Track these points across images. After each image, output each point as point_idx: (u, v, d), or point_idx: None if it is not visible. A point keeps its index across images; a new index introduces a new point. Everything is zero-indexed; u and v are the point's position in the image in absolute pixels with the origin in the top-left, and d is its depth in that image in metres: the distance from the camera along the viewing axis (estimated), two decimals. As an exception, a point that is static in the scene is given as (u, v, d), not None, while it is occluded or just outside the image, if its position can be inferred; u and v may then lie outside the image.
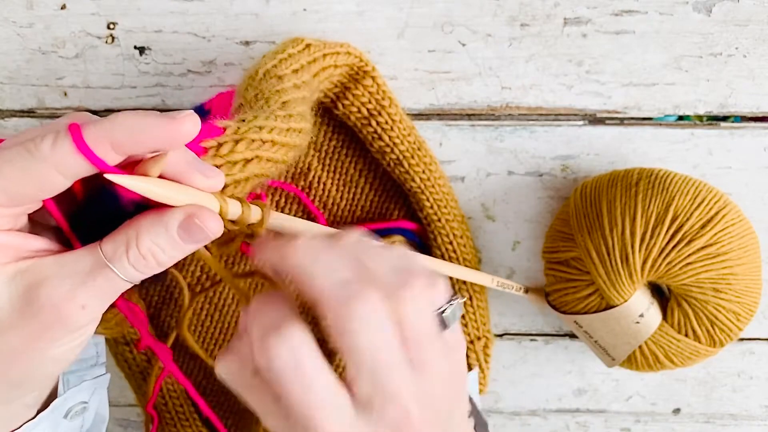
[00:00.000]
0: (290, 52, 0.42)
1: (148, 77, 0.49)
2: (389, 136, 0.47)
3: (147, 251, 0.30)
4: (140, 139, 0.29)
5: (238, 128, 0.34)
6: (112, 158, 0.29)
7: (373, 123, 0.47)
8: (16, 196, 0.29)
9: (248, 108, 0.38)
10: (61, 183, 0.29)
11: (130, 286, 0.31)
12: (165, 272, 0.32)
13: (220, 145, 0.33)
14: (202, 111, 0.46)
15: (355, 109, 0.47)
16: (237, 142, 0.33)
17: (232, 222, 0.33)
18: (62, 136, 0.28)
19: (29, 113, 0.50)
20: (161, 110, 0.49)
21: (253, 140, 0.34)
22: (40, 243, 0.31)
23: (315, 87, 0.43)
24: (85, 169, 0.29)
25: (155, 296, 0.51)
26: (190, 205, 0.31)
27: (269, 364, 0.30)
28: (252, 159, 0.34)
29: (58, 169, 0.29)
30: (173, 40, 0.48)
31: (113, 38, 0.48)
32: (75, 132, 0.28)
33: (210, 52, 0.48)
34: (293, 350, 0.30)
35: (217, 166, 0.33)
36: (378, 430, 0.30)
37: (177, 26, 0.48)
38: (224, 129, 0.33)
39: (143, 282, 0.32)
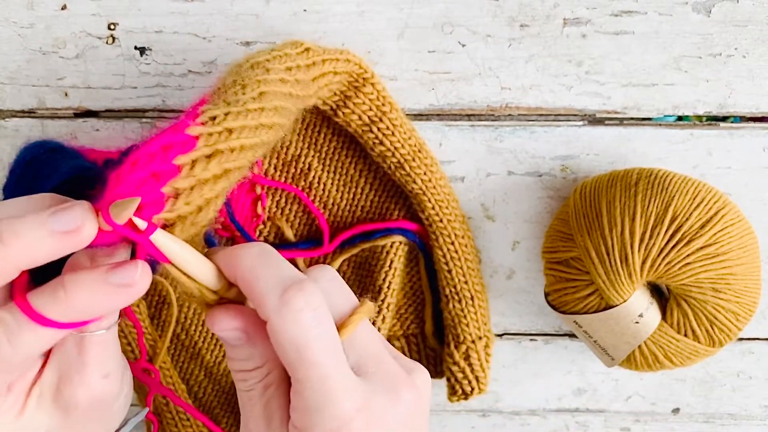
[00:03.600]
0: (287, 52, 0.41)
1: (148, 77, 0.49)
2: (390, 141, 0.47)
3: (87, 312, 0.30)
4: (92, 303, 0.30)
5: (210, 136, 0.31)
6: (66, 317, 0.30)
7: (374, 129, 0.47)
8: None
9: (223, 92, 0.36)
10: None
11: (113, 330, 0.33)
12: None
13: (194, 162, 0.31)
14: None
15: (355, 117, 0.47)
16: (209, 157, 0.31)
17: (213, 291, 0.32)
18: (16, 326, 0.29)
19: (30, 113, 0.50)
20: (162, 110, 0.49)
21: (222, 151, 0.32)
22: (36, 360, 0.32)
23: (313, 91, 0.43)
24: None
25: (155, 296, 0.51)
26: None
27: (295, 317, 0.30)
28: (221, 175, 0.32)
29: (22, 355, 0.29)
30: (174, 41, 0.48)
31: (114, 39, 0.48)
32: (32, 315, 0.29)
33: (210, 52, 0.49)
34: (316, 307, 0.30)
35: (190, 188, 0.31)
36: (377, 389, 0.31)
37: (177, 27, 0.48)
38: (197, 139, 0.31)
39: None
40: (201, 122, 0.32)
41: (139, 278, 0.29)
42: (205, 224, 0.32)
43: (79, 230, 0.29)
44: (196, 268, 0.31)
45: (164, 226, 0.30)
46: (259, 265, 0.31)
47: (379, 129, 0.47)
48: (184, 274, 0.31)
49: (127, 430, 0.40)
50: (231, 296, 0.33)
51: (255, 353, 0.32)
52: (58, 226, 0.29)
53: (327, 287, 0.32)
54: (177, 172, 0.30)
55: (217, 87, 0.37)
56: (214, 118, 0.32)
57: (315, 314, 0.30)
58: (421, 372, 0.34)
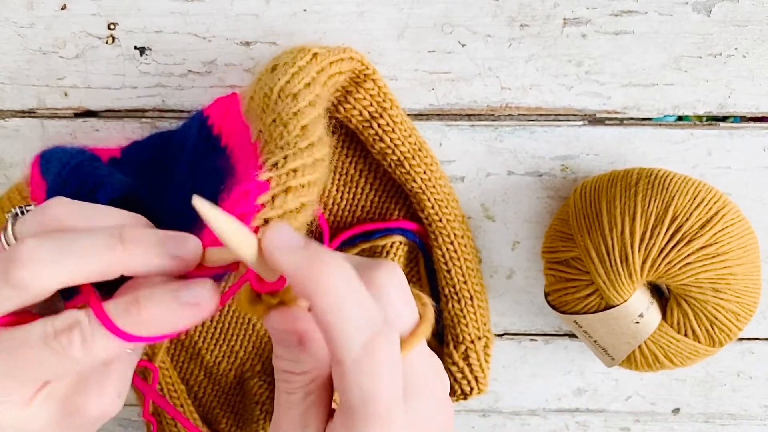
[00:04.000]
0: (300, 65, 0.42)
1: (148, 77, 0.49)
2: (390, 138, 0.47)
3: (155, 328, 0.32)
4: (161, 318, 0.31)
5: (279, 177, 0.34)
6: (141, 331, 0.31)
7: (375, 125, 0.47)
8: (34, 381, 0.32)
9: (268, 135, 0.38)
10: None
11: (138, 352, 0.34)
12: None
13: (273, 197, 0.33)
14: (201, 117, 0.46)
15: (356, 113, 0.47)
16: (286, 192, 0.34)
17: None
18: (90, 331, 0.30)
19: (30, 113, 0.50)
20: (162, 110, 0.49)
21: (294, 187, 0.34)
22: None
23: (325, 97, 0.43)
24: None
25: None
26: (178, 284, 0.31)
27: (373, 370, 0.28)
28: (300, 209, 0.34)
29: (88, 361, 0.30)
30: (174, 41, 0.48)
31: (114, 38, 0.48)
32: (108, 324, 0.30)
33: (210, 52, 0.49)
34: (395, 359, 0.29)
35: (278, 217, 0.33)
36: (420, 417, 0.31)
37: (177, 27, 0.48)
38: (269, 181, 0.34)
39: None
40: (266, 169, 0.35)
41: (208, 297, 0.31)
42: None
43: (188, 260, 0.32)
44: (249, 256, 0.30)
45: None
46: (347, 300, 0.28)
47: (379, 125, 0.47)
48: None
49: None
50: (288, 299, 0.31)
51: (304, 359, 0.31)
52: (173, 250, 0.31)
53: (393, 297, 0.31)
54: (260, 209, 0.33)
55: (258, 129, 0.39)
56: (276, 164, 0.35)
57: (393, 368, 0.29)
58: (448, 380, 0.34)
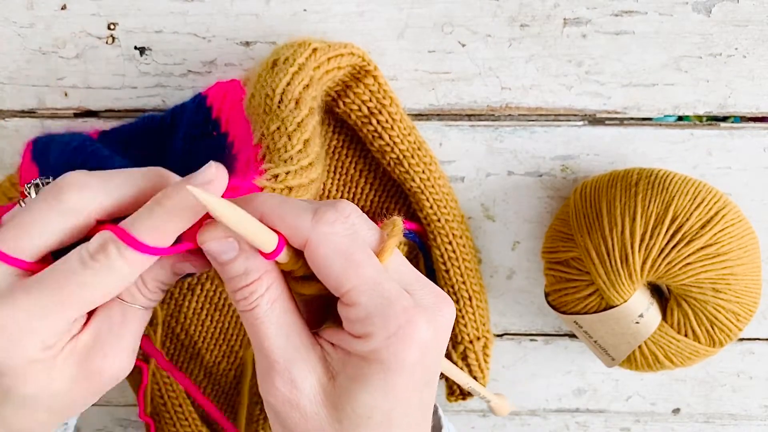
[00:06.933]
0: (300, 62, 0.42)
1: (148, 77, 0.49)
2: (389, 135, 0.47)
3: (155, 287, 0.33)
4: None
5: (272, 190, 0.36)
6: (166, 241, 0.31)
7: (374, 121, 0.47)
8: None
9: (271, 143, 0.40)
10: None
11: (150, 311, 0.34)
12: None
13: None
14: (199, 96, 0.46)
15: (355, 108, 0.47)
16: None
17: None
18: (123, 245, 0.30)
19: (30, 113, 0.50)
20: (161, 111, 0.49)
21: None
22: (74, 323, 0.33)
23: (321, 91, 0.44)
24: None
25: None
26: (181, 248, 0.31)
27: (333, 229, 0.30)
28: None
29: (129, 272, 0.31)
30: (174, 41, 0.48)
31: (114, 39, 0.48)
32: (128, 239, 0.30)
33: (210, 52, 0.49)
34: (348, 217, 0.31)
35: None
36: (421, 303, 0.31)
37: (177, 27, 0.48)
38: (261, 190, 0.35)
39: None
40: (266, 178, 0.36)
41: (216, 176, 0.30)
42: None
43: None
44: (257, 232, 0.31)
45: None
46: (282, 200, 0.31)
47: (378, 122, 0.47)
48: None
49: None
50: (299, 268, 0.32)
51: (251, 266, 0.31)
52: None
53: (356, 221, 0.32)
54: None
55: (261, 133, 0.40)
56: (276, 176, 0.37)
57: (350, 223, 0.31)
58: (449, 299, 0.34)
